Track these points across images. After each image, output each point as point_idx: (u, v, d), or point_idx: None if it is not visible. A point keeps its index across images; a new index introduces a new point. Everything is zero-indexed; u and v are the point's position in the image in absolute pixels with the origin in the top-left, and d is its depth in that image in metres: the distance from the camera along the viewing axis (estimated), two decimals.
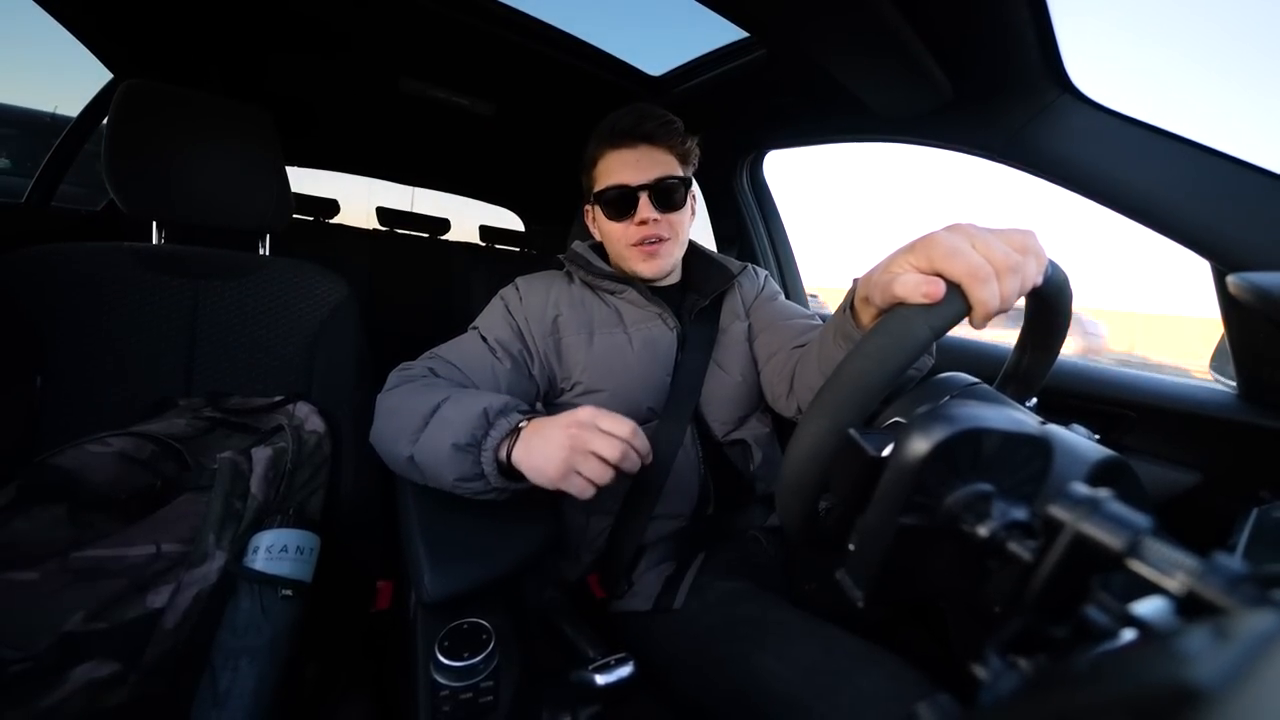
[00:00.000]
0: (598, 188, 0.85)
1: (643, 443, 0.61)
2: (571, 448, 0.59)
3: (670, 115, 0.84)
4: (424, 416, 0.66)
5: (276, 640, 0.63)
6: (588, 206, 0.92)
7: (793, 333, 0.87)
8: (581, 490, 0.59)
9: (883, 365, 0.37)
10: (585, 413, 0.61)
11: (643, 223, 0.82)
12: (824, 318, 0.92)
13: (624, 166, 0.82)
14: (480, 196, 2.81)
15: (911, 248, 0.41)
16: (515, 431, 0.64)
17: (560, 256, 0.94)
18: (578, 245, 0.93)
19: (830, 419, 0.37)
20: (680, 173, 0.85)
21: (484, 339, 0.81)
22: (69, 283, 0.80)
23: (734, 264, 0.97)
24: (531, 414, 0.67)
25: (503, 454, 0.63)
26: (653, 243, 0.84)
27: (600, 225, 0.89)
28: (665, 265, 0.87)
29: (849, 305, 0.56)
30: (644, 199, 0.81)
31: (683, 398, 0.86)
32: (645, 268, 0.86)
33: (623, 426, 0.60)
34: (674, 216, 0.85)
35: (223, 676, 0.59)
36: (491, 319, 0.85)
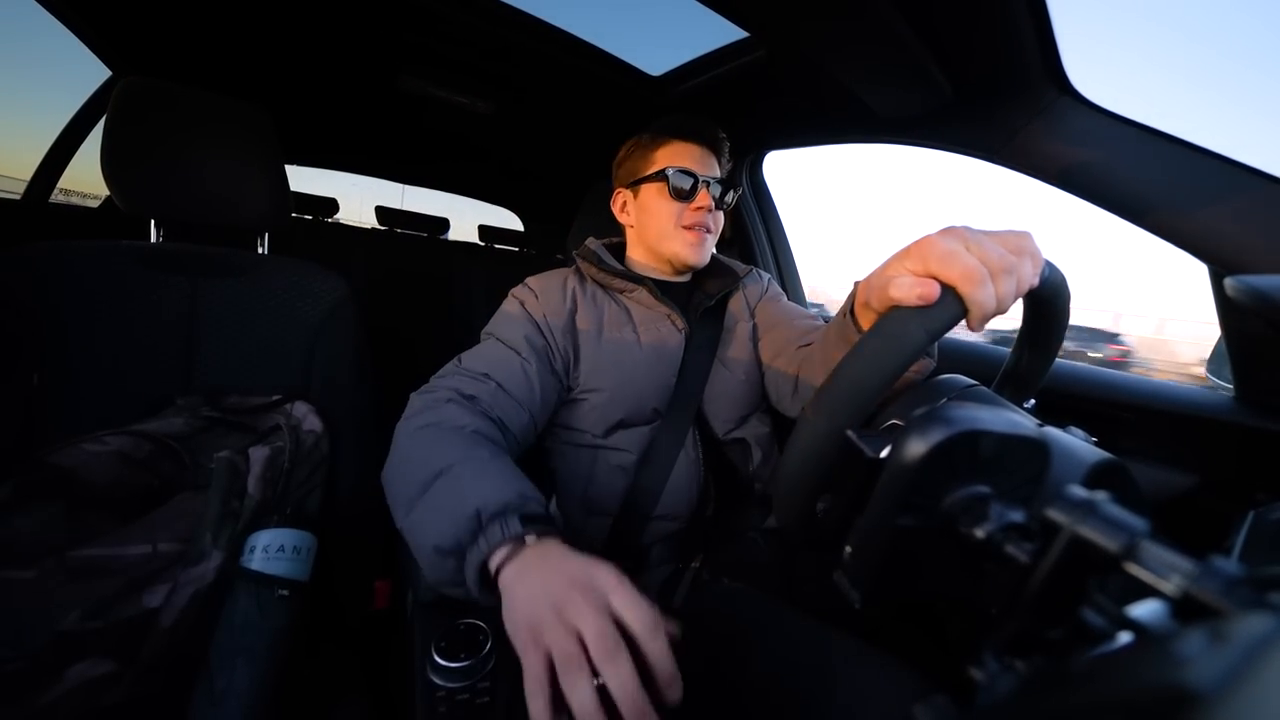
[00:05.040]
0: (659, 168, 0.87)
1: (664, 663, 0.40)
2: (555, 606, 0.42)
3: (724, 133, 0.91)
4: (421, 485, 0.58)
5: (273, 640, 0.63)
6: (623, 190, 0.93)
7: (797, 333, 0.87)
8: (532, 676, 0.40)
9: (879, 367, 0.37)
10: (605, 574, 0.45)
11: (700, 207, 0.86)
12: (827, 318, 0.92)
13: (692, 157, 0.87)
14: (480, 196, 2.81)
15: (907, 251, 0.41)
16: (518, 539, 0.51)
17: (573, 253, 0.94)
18: (591, 242, 0.93)
19: (828, 420, 0.37)
20: None
21: (505, 342, 0.80)
22: (67, 280, 0.80)
23: (739, 266, 0.98)
24: (543, 523, 0.53)
25: (493, 564, 0.50)
26: (702, 229, 0.88)
27: (649, 205, 0.89)
28: (706, 255, 0.92)
29: (850, 309, 0.56)
30: (704, 190, 0.86)
31: (686, 398, 0.86)
32: (693, 252, 0.89)
33: (641, 615, 0.41)
34: (719, 215, 0.90)
35: (219, 676, 0.59)
36: (509, 320, 0.84)
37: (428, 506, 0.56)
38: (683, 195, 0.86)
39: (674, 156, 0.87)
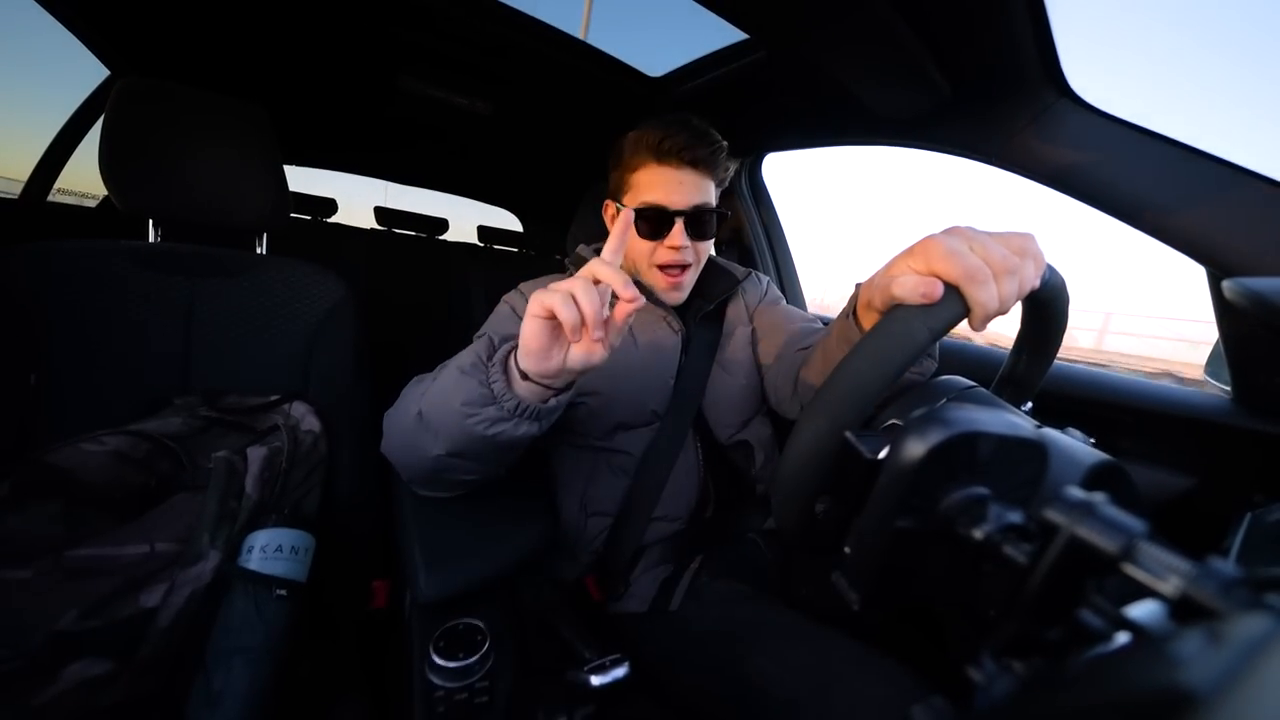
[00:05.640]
0: (632, 199, 0.82)
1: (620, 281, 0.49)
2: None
3: (720, 141, 0.82)
4: (434, 376, 0.64)
5: (271, 640, 0.63)
6: (610, 202, 0.89)
7: (796, 336, 0.87)
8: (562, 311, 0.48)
9: (881, 366, 0.37)
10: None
11: (673, 248, 0.80)
12: (826, 321, 0.92)
13: (666, 186, 0.79)
14: (479, 197, 2.81)
15: (911, 251, 0.41)
16: None
17: (565, 260, 0.94)
18: (583, 249, 0.93)
19: (828, 420, 0.37)
20: (714, 201, 0.83)
21: (495, 341, 0.80)
22: (65, 280, 0.80)
23: (738, 270, 0.98)
24: None
25: (511, 361, 0.57)
26: (676, 270, 0.83)
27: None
28: (682, 295, 0.87)
29: (852, 310, 0.56)
30: (679, 225, 0.79)
31: (685, 400, 0.86)
32: (667, 295, 0.85)
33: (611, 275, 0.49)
34: (701, 245, 0.84)
35: (217, 676, 0.59)
36: (501, 323, 0.83)
37: (445, 371, 0.61)
38: (654, 235, 0.81)
39: (648, 185, 0.80)
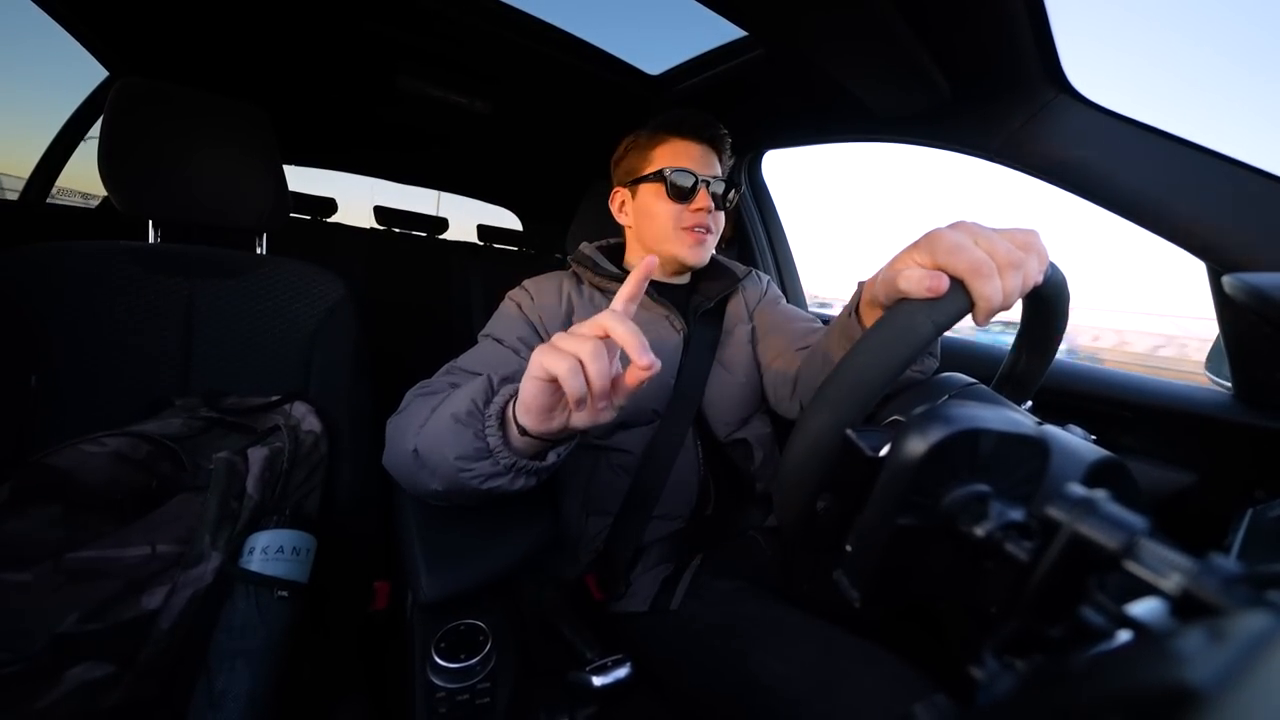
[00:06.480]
0: (657, 167, 0.86)
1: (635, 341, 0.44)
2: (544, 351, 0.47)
3: (724, 128, 0.89)
4: (432, 407, 0.61)
5: (273, 641, 0.63)
6: (621, 189, 0.92)
7: (796, 335, 0.87)
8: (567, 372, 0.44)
9: (885, 359, 0.37)
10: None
11: (700, 209, 0.85)
12: (826, 320, 0.92)
13: (689, 155, 0.86)
14: (478, 195, 2.81)
15: (915, 245, 0.41)
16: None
17: (568, 257, 0.94)
18: (585, 247, 0.93)
19: (831, 416, 0.37)
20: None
21: (501, 342, 0.80)
22: (64, 281, 0.80)
23: (739, 268, 0.98)
24: None
25: (509, 411, 0.54)
26: (702, 230, 0.86)
27: (647, 206, 0.87)
28: (706, 256, 0.90)
29: (854, 308, 0.56)
30: (704, 190, 0.84)
31: (685, 399, 0.86)
32: (692, 253, 0.87)
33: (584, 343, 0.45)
34: (719, 215, 0.89)
35: (219, 678, 0.59)
36: (505, 322, 0.84)
37: (443, 407, 0.58)
38: (682, 196, 0.84)
39: (672, 156, 0.85)
